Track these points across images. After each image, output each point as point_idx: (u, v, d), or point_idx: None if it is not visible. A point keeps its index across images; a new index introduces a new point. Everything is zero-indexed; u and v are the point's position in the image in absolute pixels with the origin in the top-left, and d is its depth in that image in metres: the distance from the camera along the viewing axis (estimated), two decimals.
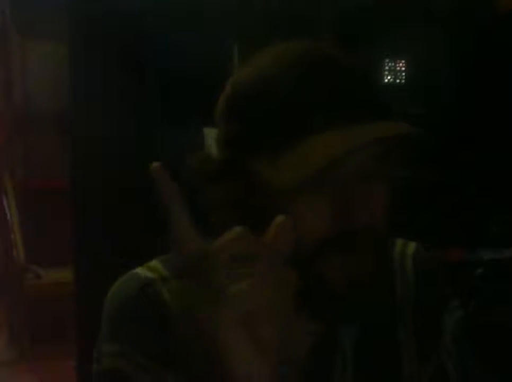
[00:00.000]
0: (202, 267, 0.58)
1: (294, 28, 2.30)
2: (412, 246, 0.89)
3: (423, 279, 0.86)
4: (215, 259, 0.57)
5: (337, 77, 0.73)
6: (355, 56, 0.76)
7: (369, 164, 0.71)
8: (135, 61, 2.33)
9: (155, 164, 0.61)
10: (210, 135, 2.26)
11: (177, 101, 2.35)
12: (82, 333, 2.27)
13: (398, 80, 2.73)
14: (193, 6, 2.36)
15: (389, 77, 2.71)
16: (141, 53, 2.34)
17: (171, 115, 2.36)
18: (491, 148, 2.58)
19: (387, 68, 2.72)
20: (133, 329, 0.76)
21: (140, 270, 0.81)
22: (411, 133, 0.70)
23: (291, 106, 0.71)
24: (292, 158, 0.69)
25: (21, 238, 4.26)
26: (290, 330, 0.73)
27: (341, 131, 0.69)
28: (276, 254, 0.58)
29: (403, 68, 2.74)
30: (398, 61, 2.74)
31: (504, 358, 2.19)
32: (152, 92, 2.35)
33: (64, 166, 2.47)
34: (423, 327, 0.84)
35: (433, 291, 0.86)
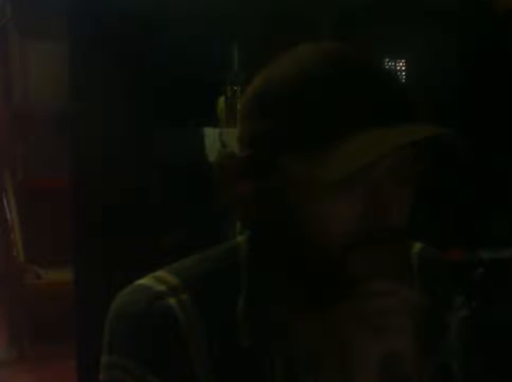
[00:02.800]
0: None
1: (294, 28, 2.30)
2: (417, 245, 0.89)
3: (428, 278, 0.86)
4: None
5: (373, 78, 0.74)
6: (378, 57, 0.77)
7: (401, 164, 0.72)
8: (135, 61, 2.33)
9: None
10: (210, 135, 2.26)
11: (177, 100, 2.35)
12: (82, 333, 2.27)
13: None
14: (193, 6, 2.36)
15: None
16: (141, 53, 2.34)
17: (171, 115, 2.36)
18: (491, 148, 2.58)
19: (389, 68, 2.72)
20: (139, 343, 0.75)
21: (147, 282, 0.79)
22: (446, 135, 0.71)
23: (332, 104, 0.71)
24: (335, 155, 0.69)
25: (21, 238, 4.26)
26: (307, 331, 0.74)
27: (383, 130, 0.69)
28: None
29: (403, 68, 2.74)
30: (398, 61, 2.74)
31: (504, 358, 2.19)
32: (152, 92, 2.35)
33: (65, 166, 2.47)
34: (427, 325, 0.84)
35: (438, 290, 0.87)
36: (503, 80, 2.70)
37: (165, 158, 2.32)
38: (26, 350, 4.04)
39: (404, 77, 2.75)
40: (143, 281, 0.79)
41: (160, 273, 0.80)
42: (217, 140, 2.19)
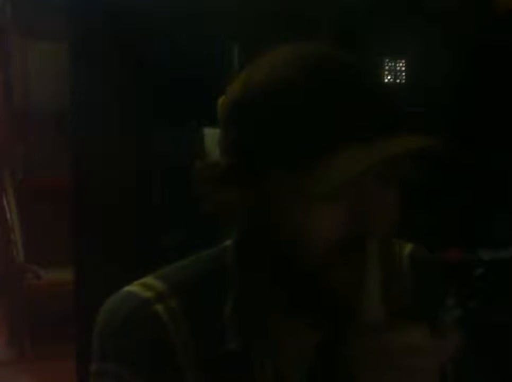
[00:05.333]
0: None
1: (294, 28, 2.30)
2: (408, 246, 0.89)
3: (421, 280, 0.86)
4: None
5: (355, 79, 0.72)
6: (365, 60, 0.76)
7: (387, 171, 0.72)
8: (135, 61, 2.33)
9: None
10: (210, 135, 2.26)
11: (177, 101, 2.35)
12: (82, 333, 2.27)
13: (398, 80, 2.73)
14: (193, 6, 2.36)
15: (389, 77, 2.71)
16: (141, 53, 2.34)
17: (171, 115, 2.36)
18: (491, 148, 2.58)
19: (387, 68, 2.72)
20: (128, 350, 0.75)
21: (134, 289, 0.79)
22: (433, 146, 0.71)
23: (313, 112, 0.70)
24: (321, 167, 0.68)
25: (21, 238, 4.26)
26: (295, 336, 0.74)
27: (365, 143, 0.68)
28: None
29: (403, 68, 2.74)
30: (398, 61, 2.74)
31: (503, 358, 2.19)
32: (152, 92, 2.35)
33: (64, 166, 2.47)
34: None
35: (431, 291, 0.87)
36: (503, 81, 2.70)
37: (165, 158, 2.32)
38: (26, 350, 4.04)
39: (404, 77, 2.74)
40: (130, 288, 0.79)
41: (147, 280, 0.80)
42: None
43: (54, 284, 4.00)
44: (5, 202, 4.41)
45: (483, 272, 2.48)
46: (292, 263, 0.72)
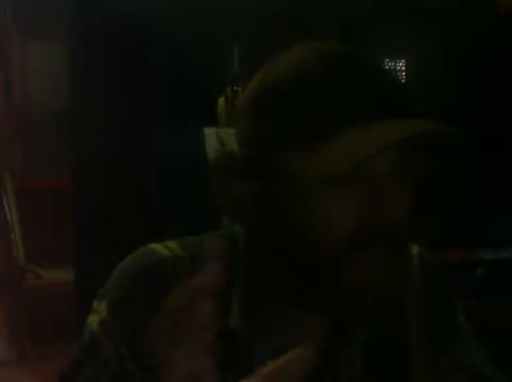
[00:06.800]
0: None
1: (295, 28, 2.30)
2: (415, 247, 0.89)
3: (427, 281, 0.86)
4: None
5: (370, 75, 0.74)
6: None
7: (398, 163, 0.72)
8: (135, 61, 2.33)
9: None
10: (210, 135, 2.26)
11: (177, 101, 2.35)
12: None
13: None
14: (193, 6, 2.36)
15: None
16: (141, 53, 2.34)
17: (171, 115, 2.36)
18: (491, 148, 2.58)
19: (387, 68, 2.72)
20: (128, 300, 0.78)
21: (155, 246, 0.83)
22: (444, 131, 0.71)
23: (329, 102, 0.71)
24: (334, 151, 0.69)
25: (21, 238, 4.26)
26: (299, 327, 0.74)
27: (378, 127, 0.70)
28: None
29: (403, 68, 2.74)
30: (398, 61, 2.74)
31: (505, 358, 2.19)
32: (152, 91, 2.35)
33: (65, 166, 2.47)
34: (426, 328, 0.84)
35: (437, 293, 0.87)
36: (503, 80, 2.70)
37: (165, 158, 2.32)
38: (26, 350, 4.04)
39: (404, 77, 2.75)
40: (153, 245, 0.84)
41: (170, 243, 0.84)
42: (215, 139, 2.19)
43: (54, 284, 4.00)
44: (5, 202, 4.41)
45: (483, 272, 2.48)
46: (305, 254, 0.73)
